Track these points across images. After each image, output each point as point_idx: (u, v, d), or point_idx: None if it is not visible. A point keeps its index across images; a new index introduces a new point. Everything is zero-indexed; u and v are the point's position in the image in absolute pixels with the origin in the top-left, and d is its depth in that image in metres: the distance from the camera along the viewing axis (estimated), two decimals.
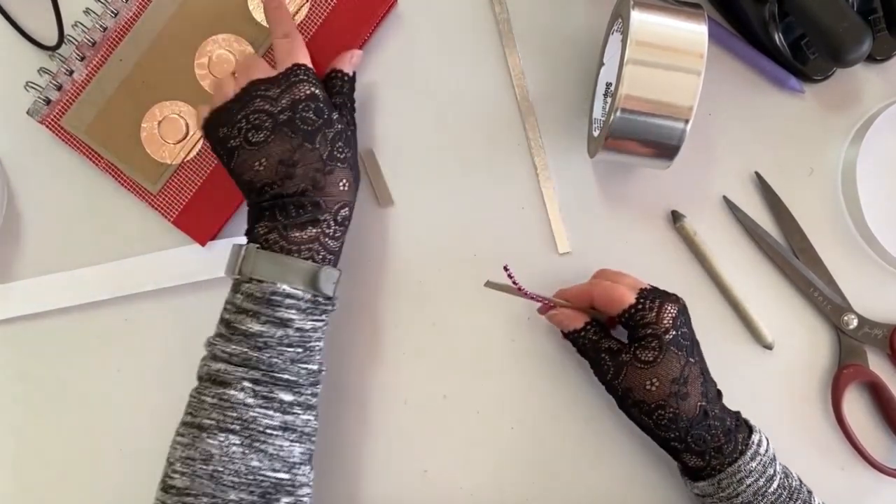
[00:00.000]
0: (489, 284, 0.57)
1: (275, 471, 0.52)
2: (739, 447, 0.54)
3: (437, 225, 0.64)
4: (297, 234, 0.53)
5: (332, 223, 0.54)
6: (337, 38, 0.62)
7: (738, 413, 0.57)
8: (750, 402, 0.63)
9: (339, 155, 0.55)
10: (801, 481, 0.56)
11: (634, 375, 0.54)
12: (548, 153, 0.64)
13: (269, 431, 0.52)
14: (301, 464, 0.53)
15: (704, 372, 0.55)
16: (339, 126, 0.55)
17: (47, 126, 0.62)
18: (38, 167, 0.65)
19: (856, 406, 0.64)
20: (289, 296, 0.52)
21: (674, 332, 0.54)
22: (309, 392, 0.54)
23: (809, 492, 0.56)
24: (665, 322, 0.54)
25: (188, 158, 0.62)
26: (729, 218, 0.64)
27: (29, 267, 0.65)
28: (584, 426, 0.63)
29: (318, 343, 0.55)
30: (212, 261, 0.63)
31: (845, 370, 0.63)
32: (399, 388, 0.64)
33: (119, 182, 0.63)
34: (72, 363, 0.65)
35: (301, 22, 0.62)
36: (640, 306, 0.54)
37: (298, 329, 0.53)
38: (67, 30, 0.63)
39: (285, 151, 0.53)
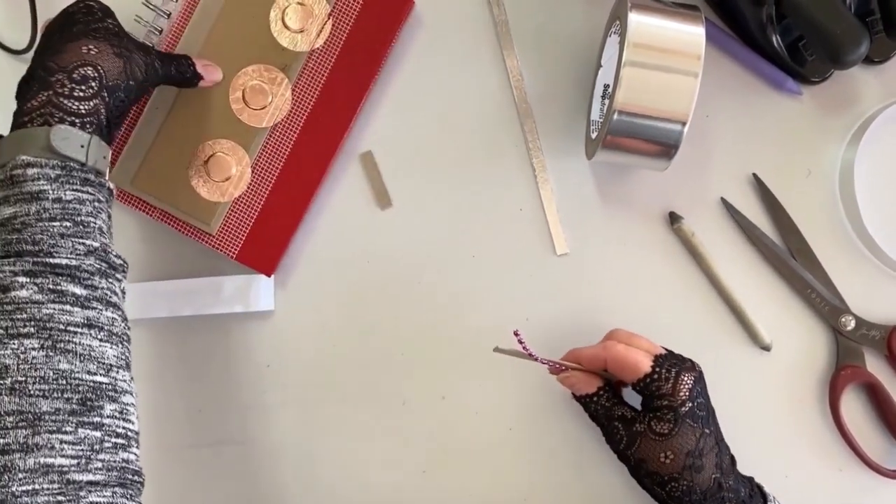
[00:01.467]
0: (498, 350, 0.55)
1: (90, 373, 0.45)
2: None
3: (435, 226, 0.64)
4: (29, 104, 0.49)
5: (66, 81, 0.49)
6: (364, 50, 0.62)
7: (751, 479, 0.56)
8: (747, 403, 0.63)
9: (95, 34, 0.51)
10: None
11: (648, 447, 0.52)
12: (546, 155, 0.64)
13: (71, 329, 0.45)
14: (119, 368, 0.47)
15: (719, 441, 0.54)
16: (115, 29, 0.53)
17: None
18: None
19: (853, 407, 0.64)
20: (29, 165, 0.46)
21: (690, 404, 0.52)
22: (104, 286, 0.48)
23: None
24: (682, 394, 0.52)
25: (239, 194, 0.62)
26: (726, 219, 0.64)
27: None
28: (583, 427, 0.63)
29: (91, 219, 0.48)
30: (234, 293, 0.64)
31: (843, 371, 0.63)
32: (398, 390, 0.64)
33: (175, 228, 0.62)
34: None
35: (326, 40, 0.62)
36: (655, 376, 0.53)
37: (56, 200, 0.47)
38: None
39: (42, 42, 0.52)
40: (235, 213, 0.62)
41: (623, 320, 0.63)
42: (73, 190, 0.48)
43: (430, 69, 0.65)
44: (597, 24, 0.64)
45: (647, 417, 0.53)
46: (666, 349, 0.56)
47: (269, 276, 0.63)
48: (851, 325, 0.63)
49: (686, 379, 0.53)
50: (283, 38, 0.61)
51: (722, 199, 0.64)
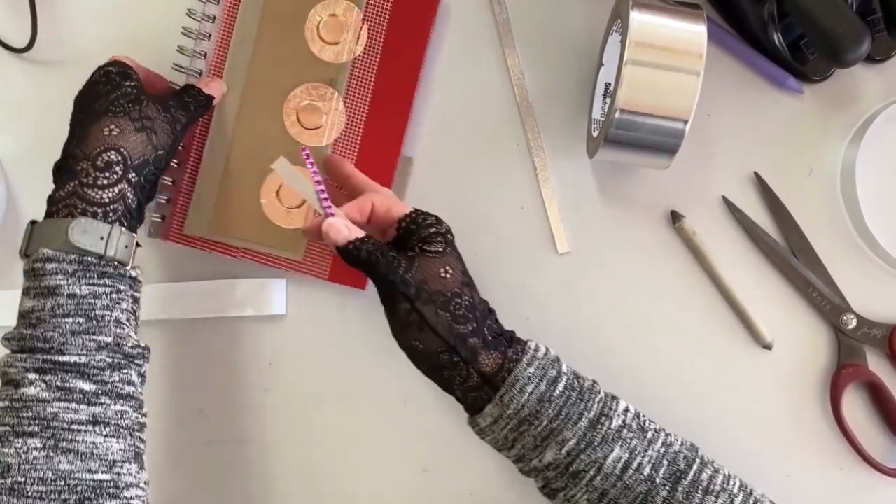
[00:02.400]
0: (278, 166, 0.53)
1: (91, 472, 0.46)
2: (521, 347, 0.52)
3: None
4: (57, 194, 0.50)
5: (90, 170, 0.50)
6: (404, 45, 0.62)
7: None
8: (748, 401, 0.63)
9: (115, 108, 0.51)
10: (595, 384, 0.53)
11: (427, 264, 0.52)
12: (547, 153, 0.64)
13: (75, 427, 0.46)
14: (124, 462, 0.47)
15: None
16: (133, 92, 0.53)
17: (173, 240, 0.62)
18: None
19: (854, 406, 0.64)
20: (48, 259, 0.48)
21: (451, 236, 0.54)
22: (115, 379, 0.48)
23: (613, 397, 0.52)
24: (444, 225, 0.54)
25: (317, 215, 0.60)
26: (728, 218, 0.64)
27: None
28: None
29: (107, 313, 0.48)
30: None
31: (844, 370, 0.63)
32: (399, 388, 0.64)
33: (261, 262, 0.62)
34: None
35: (366, 45, 0.62)
36: (419, 211, 0.54)
37: (71, 296, 0.47)
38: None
39: (73, 116, 0.54)
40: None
41: (623, 319, 0.64)
42: (89, 284, 0.48)
43: (432, 68, 0.65)
44: (598, 22, 0.64)
45: (418, 247, 0.53)
46: None
47: (363, 289, 0.62)
48: (853, 323, 0.63)
49: (442, 221, 0.54)
50: (323, 53, 0.61)
51: (723, 197, 0.64)
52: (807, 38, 0.63)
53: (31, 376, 0.46)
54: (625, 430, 0.51)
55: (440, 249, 0.52)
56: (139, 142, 0.52)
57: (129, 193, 0.51)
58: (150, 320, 0.63)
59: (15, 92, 0.64)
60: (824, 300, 0.63)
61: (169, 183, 0.61)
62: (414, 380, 0.63)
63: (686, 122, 0.55)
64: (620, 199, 0.64)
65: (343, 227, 0.52)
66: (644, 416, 0.53)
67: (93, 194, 0.50)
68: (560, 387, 0.51)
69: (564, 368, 0.53)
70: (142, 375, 0.51)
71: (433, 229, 0.53)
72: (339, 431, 0.64)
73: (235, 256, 0.62)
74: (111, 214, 0.50)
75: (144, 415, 0.50)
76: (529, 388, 0.51)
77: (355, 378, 0.64)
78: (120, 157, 0.51)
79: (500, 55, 0.65)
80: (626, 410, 0.52)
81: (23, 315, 0.48)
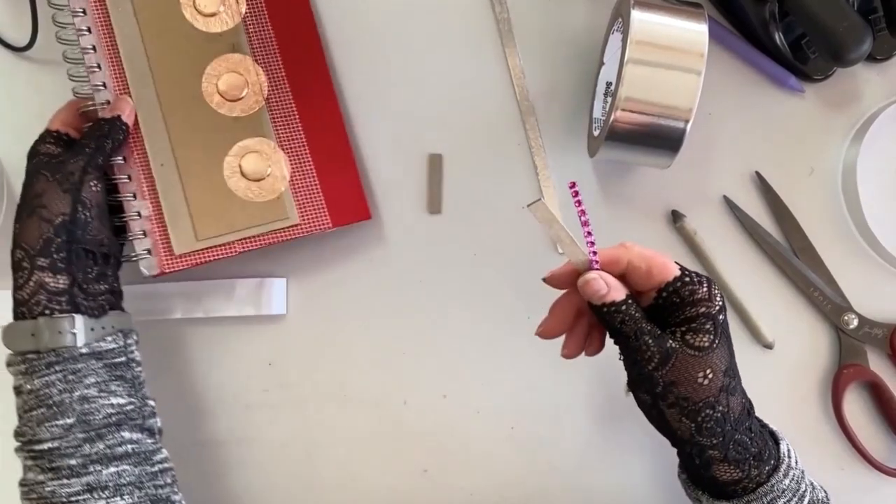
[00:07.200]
0: (533, 207, 0.45)
1: None
2: (773, 460, 0.48)
3: (436, 224, 0.64)
4: (19, 294, 0.51)
5: (12, 273, 0.51)
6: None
7: (759, 419, 0.51)
8: None
9: (26, 200, 0.52)
10: (826, 495, 0.52)
11: (684, 365, 0.45)
12: (548, 153, 0.64)
13: (73, 499, 0.48)
14: None
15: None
16: (46, 153, 0.54)
17: (169, 269, 0.58)
18: None
19: (856, 406, 0.64)
20: (8, 364, 0.51)
21: (723, 315, 0.46)
22: (100, 447, 0.49)
23: None
24: (718, 300, 0.45)
25: (289, 174, 0.60)
26: (729, 217, 0.64)
27: None
28: (584, 426, 0.63)
29: (66, 396, 0.49)
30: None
31: (845, 370, 0.63)
32: (399, 389, 0.63)
33: (263, 245, 0.60)
34: None
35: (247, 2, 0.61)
36: (687, 279, 0.46)
37: (30, 392, 0.49)
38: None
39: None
40: (299, 191, 0.61)
41: None
42: (40, 377, 0.50)
43: (431, 67, 0.64)
44: (599, 21, 0.64)
45: (680, 332, 0.45)
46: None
47: (368, 219, 0.62)
48: (854, 323, 0.63)
49: (715, 287, 0.46)
50: (211, 26, 0.60)
51: (724, 197, 0.64)
52: (808, 37, 0.62)
53: (29, 463, 0.50)
54: None
55: (705, 344, 0.45)
56: (33, 227, 0.51)
57: (47, 279, 0.50)
58: (150, 320, 0.63)
59: (15, 91, 0.64)
60: (825, 300, 0.63)
61: (137, 216, 0.58)
62: (414, 380, 0.64)
63: (687, 121, 0.55)
64: (621, 199, 0.64)
65: (603, 285, 0.46)
66: None
67: (16, 295, 0.51)
68: (805, 502, 0.49)
69: (807, 481, 0.50)
70: (145, 429, 0.52)
71: (703, 308, 0.45)
72: (339, 431, 0.64)
73: (234, 252, 0.59)
74: (36, 307, 0.50)
75: (161, 461, 0.52)
76: (781, 502, 0.48)
77: (355, 378, 0.64)
78: (23, 253, 0.51)
79: (500, 55, 0.64)
80: None
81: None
